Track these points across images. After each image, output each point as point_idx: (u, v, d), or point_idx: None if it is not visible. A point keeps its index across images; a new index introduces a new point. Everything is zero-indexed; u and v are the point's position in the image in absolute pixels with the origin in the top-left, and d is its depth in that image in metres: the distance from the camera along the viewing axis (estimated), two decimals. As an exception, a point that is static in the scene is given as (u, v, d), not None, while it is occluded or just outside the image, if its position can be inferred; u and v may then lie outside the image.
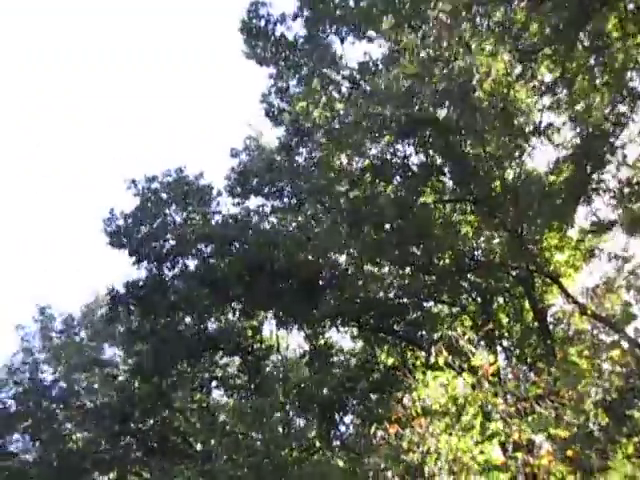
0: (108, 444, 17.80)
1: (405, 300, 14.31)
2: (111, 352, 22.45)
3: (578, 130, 11.21)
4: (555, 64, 10.27)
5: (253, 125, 16.88)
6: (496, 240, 12.70)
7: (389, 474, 5.51)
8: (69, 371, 21.59)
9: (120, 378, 19.64)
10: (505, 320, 14.41)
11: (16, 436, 20.09)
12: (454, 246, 12.66)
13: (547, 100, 11.20)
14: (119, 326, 18.07)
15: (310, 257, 15.22)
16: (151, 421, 18.05)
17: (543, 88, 10.94)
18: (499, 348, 14.00)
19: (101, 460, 17.57)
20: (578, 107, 10.73)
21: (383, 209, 11.44)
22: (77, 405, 19.81)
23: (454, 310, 14.91)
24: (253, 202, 16.33)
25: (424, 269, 13.30)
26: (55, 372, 22.29)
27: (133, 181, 16.15)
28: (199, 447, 17.69)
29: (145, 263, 15.64)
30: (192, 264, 16.12)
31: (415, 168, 12.59)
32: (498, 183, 11.81)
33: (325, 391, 14.24)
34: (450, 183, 13.13)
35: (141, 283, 15.67)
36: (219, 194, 16.63)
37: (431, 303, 15.15)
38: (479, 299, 14.43)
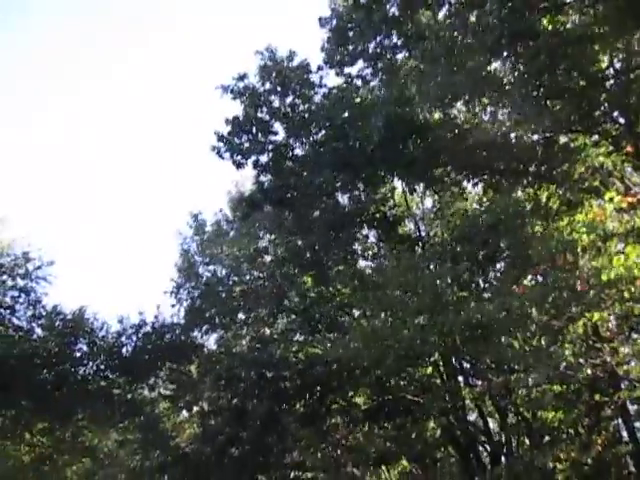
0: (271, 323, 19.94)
1: (535, 137, 13.32)
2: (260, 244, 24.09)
3: None
4: None
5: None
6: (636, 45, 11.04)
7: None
8: (229, 267, 23.84)
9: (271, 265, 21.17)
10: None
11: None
12: (585, 63, 11.25)
13: None
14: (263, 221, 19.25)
15: (427, 114, 14.64)
16: (309, 298, 19.65)
17: None
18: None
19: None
20: None
21: (496, 35, 10.29)
22: (242, 293, 21.98)
23: (593, 139, 13.57)
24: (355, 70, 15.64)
25: (553, 97, 12.06)
26: (215, 271, 24.78)
27: (224, 86, 15.76)
28: (356, 314, 18.86)
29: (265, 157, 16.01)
30: (308, 147, 16.19)
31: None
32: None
33: (466, 243, 14.15)
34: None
35: (268, 177, 16.25)
36: (319, 68, 15.95)
37: (564, 137, 13.89)
38: (622, 119, 12.93)
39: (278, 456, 17.93)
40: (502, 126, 13.26)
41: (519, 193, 14.71)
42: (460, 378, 16.15)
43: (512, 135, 13.63)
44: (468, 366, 15.68)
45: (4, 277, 18.97)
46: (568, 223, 8.50)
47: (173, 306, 22.86)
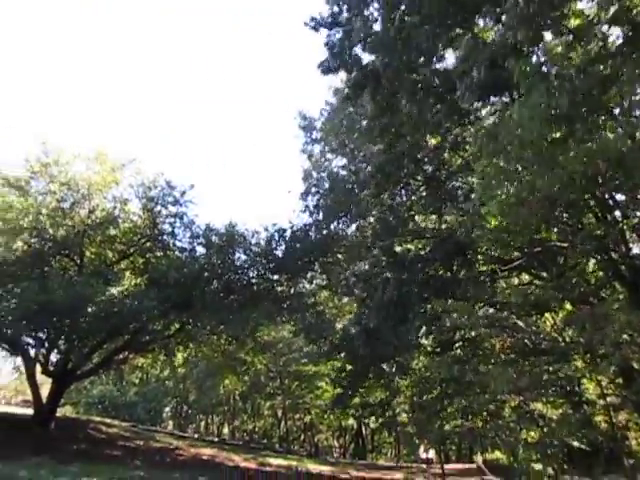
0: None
1: None
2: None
3: None
4: None
5: None
6: None
7: None
8: (348, 157, 24.11)
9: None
10: None
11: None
12: None
13: None
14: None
15: None
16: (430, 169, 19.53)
17: None
18: None
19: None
20: None
21: None
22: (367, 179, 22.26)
23: None
24: None
25: None
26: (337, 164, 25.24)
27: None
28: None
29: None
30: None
31: None
32: None
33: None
34: None
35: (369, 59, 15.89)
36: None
37: None
38: None
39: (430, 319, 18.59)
40: None
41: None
42: (616, 212, 15.22)
43: None
44: (624, 197, 14.65)
45: (158, 207, 21.00)
46: None
47: (305, 204, 24.08)
